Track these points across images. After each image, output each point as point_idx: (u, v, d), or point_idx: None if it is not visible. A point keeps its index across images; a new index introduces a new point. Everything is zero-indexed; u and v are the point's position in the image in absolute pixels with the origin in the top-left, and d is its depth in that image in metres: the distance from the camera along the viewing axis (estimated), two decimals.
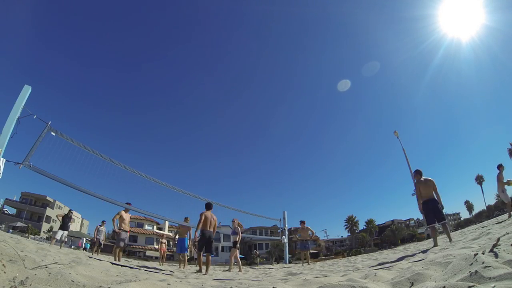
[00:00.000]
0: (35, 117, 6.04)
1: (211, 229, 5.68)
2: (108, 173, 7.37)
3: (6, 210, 42.82)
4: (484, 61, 69.75)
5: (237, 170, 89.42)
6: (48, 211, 44.38)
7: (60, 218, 10.26)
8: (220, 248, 46.03)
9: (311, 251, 44.82)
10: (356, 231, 50.32)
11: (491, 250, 1.62)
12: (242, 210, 12.34)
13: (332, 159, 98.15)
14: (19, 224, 35.74)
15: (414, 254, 4.53)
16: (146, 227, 44.38)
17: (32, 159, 5.87)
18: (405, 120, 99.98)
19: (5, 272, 1.49)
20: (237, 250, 7.81)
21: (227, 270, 7.58)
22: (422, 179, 5.65)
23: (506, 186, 7.50)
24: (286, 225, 14.82)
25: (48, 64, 78.92)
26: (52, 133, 6.22)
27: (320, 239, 50.61)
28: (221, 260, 40.49)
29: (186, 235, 8.89)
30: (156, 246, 39.90)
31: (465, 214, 55.49)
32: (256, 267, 11.73)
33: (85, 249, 25.33)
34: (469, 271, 1.31)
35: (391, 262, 3.84)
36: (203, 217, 5.56)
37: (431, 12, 51.88)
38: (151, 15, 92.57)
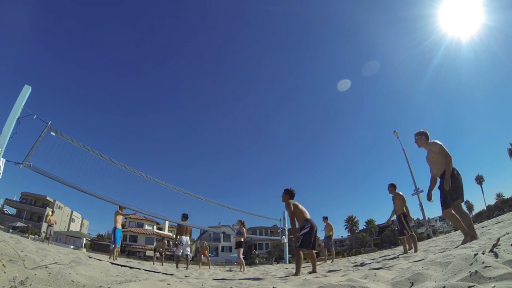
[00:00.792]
0: (35, 117, 6.03)
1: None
2: (108, 173, 7.36)
3: (6, 210, 42.83)
4: (484, 60, 69.79)
5: (237, 170, 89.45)
6: (48, 211, 44.38)
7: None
8: (220, 248, 46.04)
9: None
10: (356, 231, 50.31)
11: (491, 250, 1.62)
12: (242, 210, 12.33)
13: (332, 159, 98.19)
14: (19, 224, 35.76)
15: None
16: (146, 227, 44.39)
17: (32, 159, 5.87)
18: (405, 120, 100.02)
19: (5, 272, 1.49)
20: (242, 250, 7.88)
21: (238, 270, 7.72)
22: (397, 192, 6.19)
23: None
24: (286, 225, 14.82)
25: (49, 66, 78.95)
26: (52, 133, 6.21)
27: (320, 239, 50.60)
28: (220, 260, 40.50)
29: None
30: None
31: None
32: (256, 267, 11.73)
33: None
34: (469, 271, 1.31)
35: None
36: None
37: (431, 12, 51.95)
38: (153, 17, 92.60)
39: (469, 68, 78.21)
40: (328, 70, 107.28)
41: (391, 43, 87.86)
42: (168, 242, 14.05)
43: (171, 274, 4.55)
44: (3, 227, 30.96)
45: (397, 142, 19.14)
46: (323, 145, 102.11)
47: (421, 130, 4.12)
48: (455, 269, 1.51)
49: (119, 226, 8.46)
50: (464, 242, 3.45)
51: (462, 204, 3.79)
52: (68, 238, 38.43)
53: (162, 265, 10.76)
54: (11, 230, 29.23)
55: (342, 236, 54.73)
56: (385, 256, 6.89)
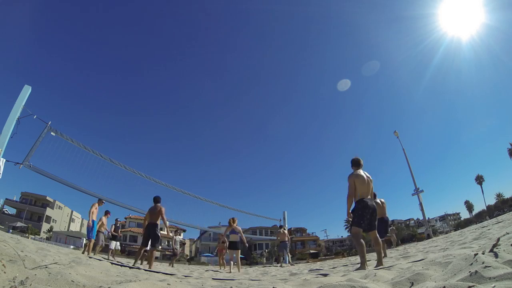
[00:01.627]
0: (35, 117, 6.04)
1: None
2: (108, 173, 7.38)
3: (6, 210, 42.84)
4: (484, 60, 69.74)
5: (237, 170, 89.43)
6: (48, 211, 44.39)
7: None
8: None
9: (312, 251, 44.92)
10: None
11: (491, 250, 1.62)
12: (242, 210, 12.35)
13: (332, 159, 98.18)
14: (19, 224, 35.76)
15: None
16: None
17: (32, 159, 5.88)
18: (405, 120, 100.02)
19: (5, 272, 1.49)
20: (238, 251, 7.50)
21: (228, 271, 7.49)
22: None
23: None
24: (286, 225, 14.82)
25: (49, 66, 78.91)
26: (52, 133, 6.22)
27: (320, 239, 50.63)
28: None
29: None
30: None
31: (465, 214, 55.55)
32: (256, 267, 11.72)
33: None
34: (469, 271, 1.31)
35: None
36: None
37: (431, 11, 51.87)
38: (153, 17, 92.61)
39: (469, 68, 78.20)
40: (328, 69, 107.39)
41: (391, 42, 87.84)
42: (168, 242, 13.94)
43: (171, 274, 4.55)
44: (3, 227, 30.96)
45: (397, 142, 19.16)
46: (323, 145, 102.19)
47: (353, 158, 4.15)
48: (455, 269, 1.51)
49: (94, 218, 7.67)
50: (358, 269, 3.40)
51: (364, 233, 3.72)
52: (68, 238, 38.41)
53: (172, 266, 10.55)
54: (11, 230, 29.24)
55: (342, 236, 54.79)
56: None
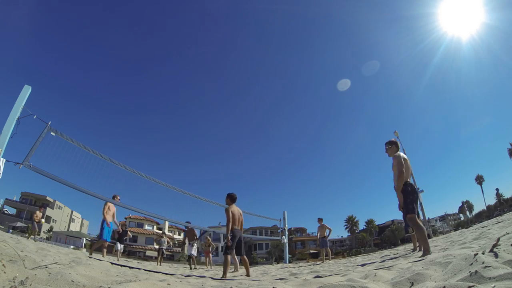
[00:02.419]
0: (35, 117, 6.03)
1: (239, 227, 4.84)
2: (108, 173, 7.36)
3: (6, 210, 42.84)
4: (484, 59, 69.73)
5: (237, 170, 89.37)
6: (48, 211, 44.38)
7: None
8: (220, 248, 46.04)
9: (311, 251, 44.89)
10: (356, 231, 50.34)
11: (491, 250, 1.62)
12: (242, 210, 12.33)
13: (332, 159, 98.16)
14: (19, 224, 35.75)
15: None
16: (146, 227, 44.41)
17: (32, 159, 5.87)
18: (405, 120, 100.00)
19: (5, 272, 1.49)
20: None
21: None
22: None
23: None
24: (286, 225, 14.82)
25: (49, 66, 78.90)
26: (52, 133, 6.21)
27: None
28: (221, 260, 40.48)
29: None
30: (157, 246, 39.98)
31: (465, 214, 55.49)
32: (256, 267, 11.73)
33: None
34: (469, 271, 1.31)
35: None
36: (230, 214, 4.61)
37: (431, 11, 51.89)
38: (153, 17, 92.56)
39: (469, 68, 78.18)
40: (328, 69, 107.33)
41: (391, 42, 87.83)
42: (168, 242, 13.98)
43: (171, 274, 4.55)
44: (3, 227, 30.96)
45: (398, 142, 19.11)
46: (323, 145, 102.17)
47: (392, 139, 4.09)
48: (455, 269, 1.51)
49: (109, 219, 7.51)
50: (423, 255, 3.30)
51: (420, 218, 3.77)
52: (68, 238, 38.42)
53: (160, 264, 10.77)
54: (11, 230, 29.23)
55: (342, 236, 54.79)
56: (384, 256, 6.90)
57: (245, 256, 4.83)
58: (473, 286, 1.12)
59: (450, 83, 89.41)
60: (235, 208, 4.83)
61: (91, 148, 6.95)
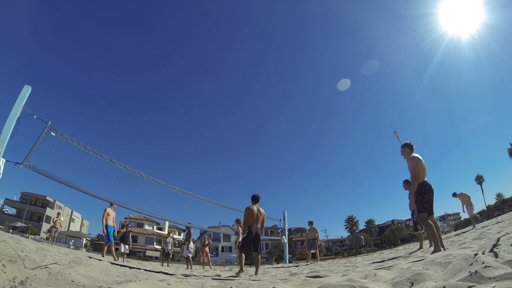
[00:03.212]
0: (35, 117, 6.04)
1: (259, 225, 5.13)
2: (108, 173, 7.38)
3: (6, 210, 42.84)
4: (484, 59, 69.67)
5: (237, 170, 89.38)
6: (48, 211, 44.38)
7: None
8: (220, 248, 46.05)
9: (312, 251, 44.87)
10: (356, 231, 50.36)
11: (491, 250, 1.62)
12: (242, 210, 12.33)
13: (332, 159, 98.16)
14: (19, 224, 35.77)
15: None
16: (146, 227, 44.42)
17: (32, 159, 5.88)
18: (405, 120, 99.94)
19: (5, 272, 1.49)
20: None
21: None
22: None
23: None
24: (286, 225, 14.82)
25: (49, 66, 78.85)
26: (52, 133, 6.22)
27: (320, 239, 50.65)
28: (221, 260, 40.51)
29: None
30: (157, 246, 39.97)
31: (465, 214, 55.41)
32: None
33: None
34: (469, 271, 1.31)
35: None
36: (248, 211, 5.04)
37: (431, 10, 51.81)
38: (153, 17, 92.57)
39: (469, 67, 78.10)
40: (328, 69, 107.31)
41: (391, 41, 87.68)
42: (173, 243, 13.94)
43: (171, 274, 4.55)
44: (3, 227, 30.96)
45: (398, 142, 19.13)
46: (323, 145, 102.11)
47: (407, 141, 4.21)
48: (455, 269, 1.51)
49: (110, 223, 7.96)
50: (434, 251, 3.46)
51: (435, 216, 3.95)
52: (68, 238, 38.43)
53: (168, 265, 10.72)
54: (11, 230, 29.24)
55: (342, 236, 54.80)
56: (384, 256, 6.90)
57: (259, 254, 5.07)
58: (473, 286, 1.12)
59: (450, 82, 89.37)
60: (254, 207, 5.13)
61: (91, 148, 6.96)
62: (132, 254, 36.67)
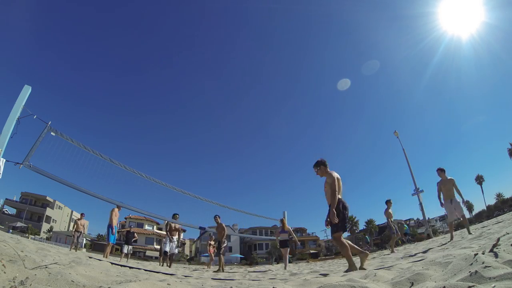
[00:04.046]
0: (35, 117, 6.03)
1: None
2: (108, 173, 7.36)
3: (6, 210, 42.83)
4: (484, 59, 69.76)
5: (237, 170, 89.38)
6: (48, 211, 44.38)
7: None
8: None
9: (312, 251, 44.86)
10: (356, 231, 50.34)
11: (491, 250, 1.62)
12: (242, 210, 12.32)
13: (332, 159, 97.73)
14: (19, 224, 35.75)
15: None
16: (146, 227, 44.40)
17: (32, 159, 5.87)
18: (405, 119, 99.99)
19: (5, 272, 1.49)
20: (287, 249, 8.38)
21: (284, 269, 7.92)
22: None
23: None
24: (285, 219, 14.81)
25: (49, 66, 78.89)
26: (52, 133, 6.21)
27: (320, 239, 50.61)
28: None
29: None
30: (157, 246, 39.95)
31: (465, 214, 55.42)
32: (256, 267, 11.74)
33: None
34: (469, 271, 1.31)
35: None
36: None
37: (431, 10, 51.87)
38: (153, 17, 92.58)
39: (469, 67, 78.24)
40: (328, 69, 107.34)
41: (391, 41, 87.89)
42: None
43: (171, 274, 4.55)
44: (3, 227, 30.96)
45: (397, 142, 19.12)
46: (323, 145, 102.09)
47: (318, 160, 3.90)
48: (455, 269, 1.51)
49: (115, 223, 8.30)
50: (346, 271, 3.29)
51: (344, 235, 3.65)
52: (68, 238, 38.40)
53: (170, 266, 10.63)
54: (11, 230, 29.23)
55: None
56: (384, 256, 6.90)
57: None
58: (473, 286, 1.12)
59: (450, 82, 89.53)
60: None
61: (91, 148, 6.95)
62: (132, 254, 36.70)
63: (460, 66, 73.98)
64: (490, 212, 38.97)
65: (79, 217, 11.44)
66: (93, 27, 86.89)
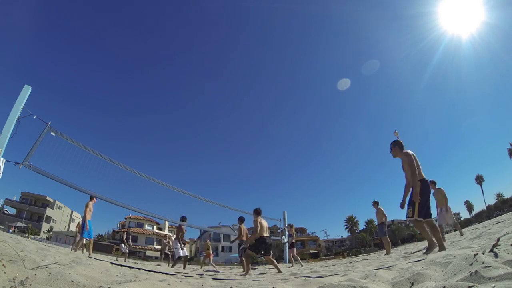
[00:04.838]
0: (35, 117, 6.03)
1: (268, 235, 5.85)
2: (108, 173, 7.38)
3: (6, 210, 42.83)
4: (484, 58, 69.82)
5: (237, 170, 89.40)
6: (48, 211, 44.38)
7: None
8: (220, 248, 46.02)
9: (312, 251, 44.87)
10: (356, 231, 50.36)
11: (491, 250, 1.62)
12: (242, 210, 12.34)
13: (332, 159, 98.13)
14: (19, 224, 35.75)
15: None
16: (146, 227, 44.42)
17: (32, 159, 5.87)
18: (405, 119, 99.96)
19: (5, 272, 1.49)
20: (294, 249, 9.63)
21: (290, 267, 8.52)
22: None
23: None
24: (286, 225, 14.82)
25: (49, 66, 78.87)
26: (52, 133, 6.22)
27: (320, 239, 50.64)
28: (221, 260, 40.48)
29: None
30: (157, 246, 39.96)
31: (465, 214, 55.51)
32: (256, 267, 11.74)
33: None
34: (469, 271, 1.31)
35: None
36: (258, 223, 5.64)
37: (431, 9, 51.90)
38: (153, 17, 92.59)
39: (469, 67, 78.22)
40: (328, 69, 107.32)
41: (391, 41, 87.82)
42: (168, 242, 13.86)
43: (172, 274, 4.54)
44: (3, 227, 30.95)
45: None
46: (323, 145, 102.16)
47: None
48: (455, 269, 1.51)
49: (89, 218, 7.92)
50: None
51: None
52: (68, 238, 38.42)
53: (169, 265, 10.57)
54: (11, 230, 29.23)
55: (342, 236, 54.80)
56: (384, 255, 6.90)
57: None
58: (473, 286, 1.12)
59: (450, 82, 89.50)
60: (262, 219, 5.83)
61: (91, 148, 6.96)
62: (132, 254, 36.70)
63: (460, 65, 74.01)
64: (490, 212, 38.99)
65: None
66: (93, 27, 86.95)
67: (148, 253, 39.66)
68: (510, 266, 1.29)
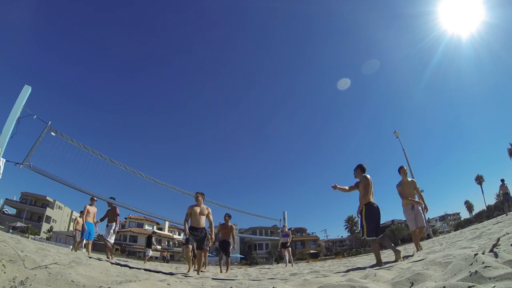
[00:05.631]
0: (35, 117, 6.03)
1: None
2: (108, 173, 7.37)
3: (6, 210, 42.82)
4: (484, 58, 69.83)
5: (237, 171, 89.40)
6: (48, 211, 44.37)
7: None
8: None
9: (312, 251, 44.91)
10: (356, 231, 50.33)
11: (491, 250, 1.62)
12: (242, 210, 12.32)
13: (332, 159, 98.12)
14: (19, 224, 35.74)
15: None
16: (146, 227, 44.39)
17: (32, 159, 5.87)
18: (405, 119, 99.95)
19: (5, 272, 1.49)
20: (289, 249, 10.06)
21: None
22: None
23: None
24: (287, 225, 14.80)
25: (49, 66, 78.89)
26: (52, 133, 6.21)
27: (320, 239, 50.63)
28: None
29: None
30: (157, 246, 39.98)
31: (465, 214, 55.49)
32: (256, 267, 11.74)
33: None
34: (469, 271, 1.31)
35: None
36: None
37: (431, 9, 51.89)
38: (153, 17, 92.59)
39: (469, 66, 78.24)
40: (328, 68, 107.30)
41: (391, 40, 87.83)
42: (168, 242, 13.74)
43: (172, 274, 4.55)
44: (3, 227, 30.95)
45: (397, 142, 19.11)
46: (323, 145, 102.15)
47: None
48: (455, 269, 1.51)
49: (90, 220, 8.04)
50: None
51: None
52: (68, 238, 38.41)
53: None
54: (11, 230, 29.23)
55: (342, 236, 54.79)
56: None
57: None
58: (473, 286, 1.12)
59: (450, 81, 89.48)
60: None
61: (91, 148, 6.95)
62: (132, 254, 36.68)
63: (460, 65, 74.03)
64: (490, 212, 38.97)
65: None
66: (93, 27, 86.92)
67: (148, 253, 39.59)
68: (510, 266, 1.29)
